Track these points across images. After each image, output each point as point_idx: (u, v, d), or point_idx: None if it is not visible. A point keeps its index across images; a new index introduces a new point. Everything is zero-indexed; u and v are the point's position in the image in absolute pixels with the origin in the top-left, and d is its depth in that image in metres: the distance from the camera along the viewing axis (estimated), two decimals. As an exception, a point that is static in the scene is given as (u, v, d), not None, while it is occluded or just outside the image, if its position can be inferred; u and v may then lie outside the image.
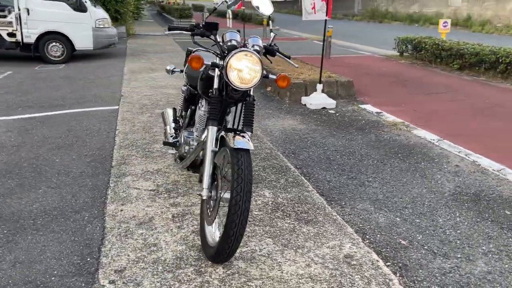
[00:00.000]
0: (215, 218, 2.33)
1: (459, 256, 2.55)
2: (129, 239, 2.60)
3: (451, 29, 11.24)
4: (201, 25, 2.53)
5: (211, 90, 2.47)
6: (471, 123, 5.33)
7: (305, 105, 6.08)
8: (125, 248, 2.50)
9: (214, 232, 2.46)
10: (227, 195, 2.24)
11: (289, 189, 3.31)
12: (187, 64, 3.50)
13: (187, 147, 3.01)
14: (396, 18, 26.74)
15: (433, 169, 3.84)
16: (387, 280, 2.27)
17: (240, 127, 2.48)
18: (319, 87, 5.98)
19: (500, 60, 8.29)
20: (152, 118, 5.20)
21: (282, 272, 2.31)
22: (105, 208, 2.98)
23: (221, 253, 2.21)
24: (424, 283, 2.29)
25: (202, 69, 2.87)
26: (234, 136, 2.23)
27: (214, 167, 2.38)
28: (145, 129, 4.76)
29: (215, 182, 2.36)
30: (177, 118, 3.70)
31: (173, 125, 3.63)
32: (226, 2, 2.66)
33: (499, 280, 2.33)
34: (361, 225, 2.87)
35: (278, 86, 2.48)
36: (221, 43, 2.47)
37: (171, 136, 3.46)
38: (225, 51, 2.41)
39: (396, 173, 3.72)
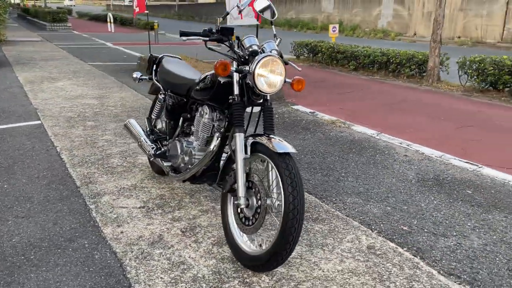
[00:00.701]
0: (260, 226, 2.27)
1: (454, 234, 2.87)
2: (151, 260, 2.40)
3: (325, 33, 12.27)
4: (215, 30, 2.45)
5: (231, 97, 2.41)
6: (391, 117, 5.93)
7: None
8: (153, 271, 2.31)
9: (247, 241, 2.41)
10: (269, 201, 2.22)
11: (278, 191, 3.35)
12: (162, 71, 3.32)
13: (187, 158, 2.86)
14: (275, 23, 28.15)
15: (388, 160, 4.22)
16: (415, 264, 2.48)
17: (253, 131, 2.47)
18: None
19: (391, 61, 9.33)
20: (88, 132, 4.78)
21: (323, 271, 2.36)
22: (101, 232, 2.69)
23: (276, 259, 2.18)
24: (444, 261, 2.54)
25: (201, 76, 2.77)
26: (269, 141, 2.22)
27: (247, 174, 2.33)
28: (89, 144, 4.36)
29: (253, 190, 2.31)
30: (153, 129, 3.49)
31: (146, 136, 3.41)
32: (238, 7, 2.61)
33: (496, 249, 2.70)
34: (361, 218, 3.05)
35: (293, 89, 2.52)
36: (236, 49, 2.43)
37: (152, 148, 3.25)
38: (246, 56, 2.38)
39: (361, 167, 4.01)
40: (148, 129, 3.51)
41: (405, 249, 2.66)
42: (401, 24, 21.91)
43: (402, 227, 2.94)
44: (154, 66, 3.48)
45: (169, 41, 16.57)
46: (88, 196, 3.18)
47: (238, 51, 2.44)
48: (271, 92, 2.36)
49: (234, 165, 2.33)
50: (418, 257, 2.57)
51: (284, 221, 2.09)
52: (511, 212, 3.18)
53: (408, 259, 2.51)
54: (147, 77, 3.50)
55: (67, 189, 3.31)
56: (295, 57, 12.11)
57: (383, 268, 2.41)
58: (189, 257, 2.45)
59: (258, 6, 2.65)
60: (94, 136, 4.62)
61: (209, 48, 2.44)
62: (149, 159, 3.61)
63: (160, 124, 3.47)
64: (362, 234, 2.78)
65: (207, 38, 2.43)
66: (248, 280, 2.26)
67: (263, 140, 2.26)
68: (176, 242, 2.61)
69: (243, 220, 2.35)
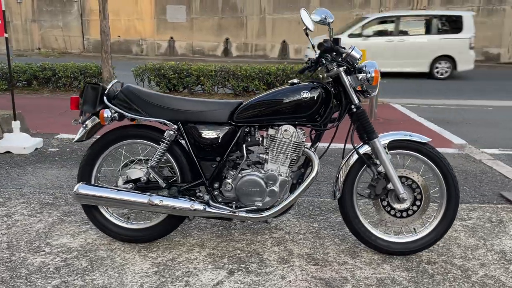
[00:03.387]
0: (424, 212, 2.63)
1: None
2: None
3: None
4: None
5: (354, 106, 2.56)
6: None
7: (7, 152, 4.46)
8: None
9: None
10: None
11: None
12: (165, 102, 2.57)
13: (276, 189, 2.58)
14: None
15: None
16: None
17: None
18: (16, 124, 4.51)
19: (59, 75, 8.67)
20: None
21: (432, 252, 2.79)
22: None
23: (433, 242, 2.60)
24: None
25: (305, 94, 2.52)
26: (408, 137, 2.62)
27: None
28: None
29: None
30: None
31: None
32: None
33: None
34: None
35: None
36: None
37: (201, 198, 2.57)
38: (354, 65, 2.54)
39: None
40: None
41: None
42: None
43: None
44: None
45: None
46: None
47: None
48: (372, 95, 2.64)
49: (370, 170, 2.49)
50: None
51: (447, 210, 2.59)
52: None
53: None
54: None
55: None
56: None
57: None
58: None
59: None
60: None
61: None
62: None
63: (166, 171, 2.54)
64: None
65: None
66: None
67: (398, 137, 2.59)
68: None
69: (397, 214, 2.63)
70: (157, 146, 2.65)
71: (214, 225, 2.99)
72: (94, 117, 2.63)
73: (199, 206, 2.54)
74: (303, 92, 2.52)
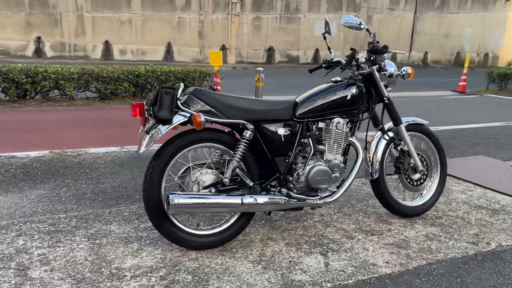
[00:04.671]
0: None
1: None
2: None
3: None
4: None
5: (385, 97, 3.07)
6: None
7: None
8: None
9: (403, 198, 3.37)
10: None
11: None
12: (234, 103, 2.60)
13: (337, 175, 2.92)
14: None
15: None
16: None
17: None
18: None
19: None
20: None
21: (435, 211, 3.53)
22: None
23: (433, 204, 3.37)
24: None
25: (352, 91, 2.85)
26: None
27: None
28: None
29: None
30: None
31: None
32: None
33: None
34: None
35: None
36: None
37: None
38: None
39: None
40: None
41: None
42: None
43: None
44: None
45: None
46: None
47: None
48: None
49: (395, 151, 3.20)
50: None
51: (441, 177, 3.31)
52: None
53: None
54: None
55: None
56: None
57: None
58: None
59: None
60: None
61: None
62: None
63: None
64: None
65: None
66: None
67: (409, 121, 3.22)
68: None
69: (415, 183, 3.27)
70: (226, 149, 2.65)
71: (256, 220, 3.10)
72: (159, 124, 2.46)
73: (286, 199, 2.68)
74: (352, 88, 2.92)
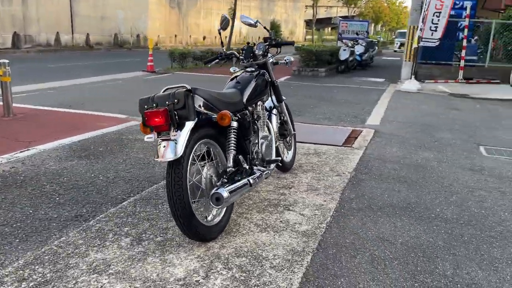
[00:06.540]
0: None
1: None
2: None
3: None
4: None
5: (275, 81, 3.80)
6: None
7: None
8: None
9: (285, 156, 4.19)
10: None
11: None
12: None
13: (273, 144, 3.52)
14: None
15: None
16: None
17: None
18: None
19: None
20: None
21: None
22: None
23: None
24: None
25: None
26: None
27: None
28: None
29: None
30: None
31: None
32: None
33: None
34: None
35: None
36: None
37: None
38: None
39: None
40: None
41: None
42: None
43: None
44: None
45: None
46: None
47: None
48: None
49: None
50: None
51: (294, 145, 4.34)
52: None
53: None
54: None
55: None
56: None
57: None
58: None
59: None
60: None
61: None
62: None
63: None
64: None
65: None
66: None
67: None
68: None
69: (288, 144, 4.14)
70: (212, 141, 2.80)
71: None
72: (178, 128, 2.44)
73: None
74: (266, 75, 3.52)
